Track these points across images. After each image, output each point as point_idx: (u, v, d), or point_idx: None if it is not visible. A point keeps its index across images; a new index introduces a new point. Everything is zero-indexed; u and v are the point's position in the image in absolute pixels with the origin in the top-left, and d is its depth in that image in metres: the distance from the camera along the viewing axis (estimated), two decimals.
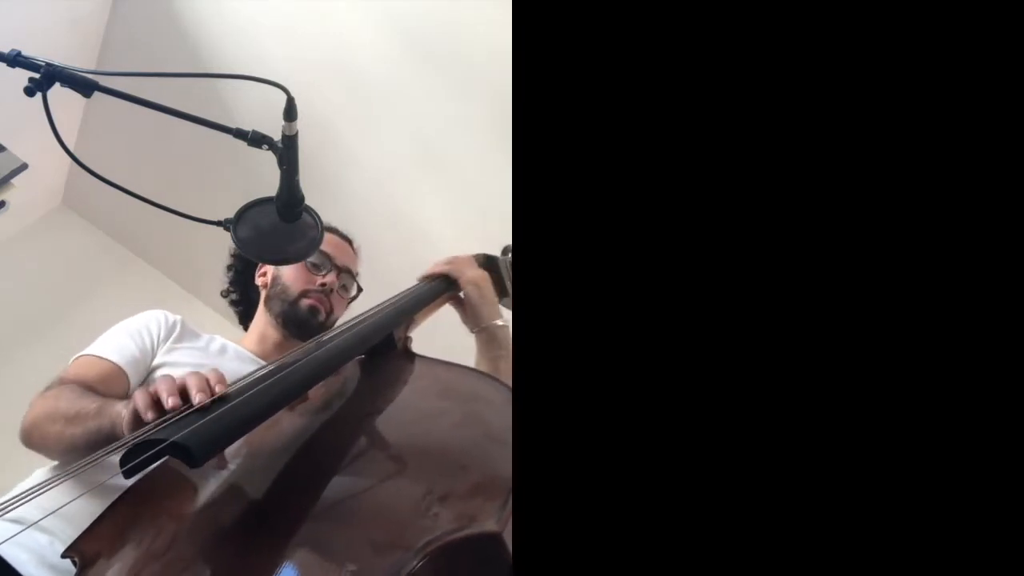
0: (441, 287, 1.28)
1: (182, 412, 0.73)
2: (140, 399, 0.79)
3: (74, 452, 0.93)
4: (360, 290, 1.45)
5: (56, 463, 1.05)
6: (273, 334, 1.32)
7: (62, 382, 1.05)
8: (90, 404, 0.92)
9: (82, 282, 2.85)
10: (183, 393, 0.77)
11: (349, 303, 1.44)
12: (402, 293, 1.21)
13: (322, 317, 1.31)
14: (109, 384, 1.07)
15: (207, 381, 0.78)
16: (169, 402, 0.75)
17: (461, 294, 1.31)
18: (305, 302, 1.30)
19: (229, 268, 1.49)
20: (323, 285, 1.31)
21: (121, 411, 0.83)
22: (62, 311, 2.70)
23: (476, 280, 1.30)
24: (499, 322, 1.26)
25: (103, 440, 0.86)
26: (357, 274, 1.43)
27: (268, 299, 1.35)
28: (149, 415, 0.76)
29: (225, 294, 1.51)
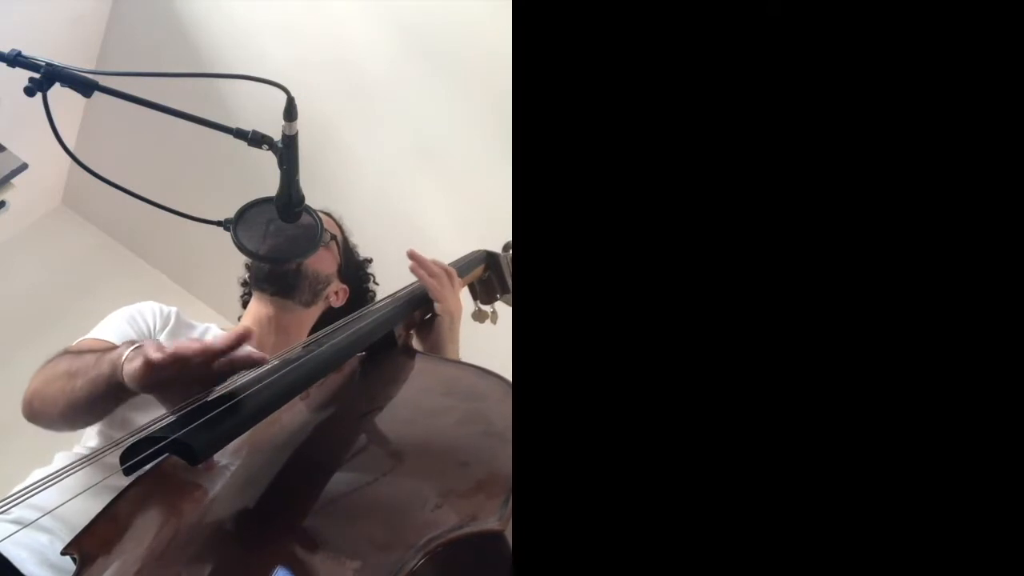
0: (419, 301, 1.16)
1: (184, 408, 0.73)
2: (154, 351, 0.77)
3: (76, 408, 0.92)
4: (363, 261, 1.44)
5: (53, 465, 1.05)
6: (262, 309, 1.30)
7: (61, 353, 1.04)
8: (88, 357, 0.91)
9: (82, 282, 2.85)
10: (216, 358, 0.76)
11: (363, 289, 1.42)
12: (391, 298, 1.16)
13: (290, 265, 1.27)
14: None
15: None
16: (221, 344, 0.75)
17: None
18: None
19: (242, 297, 1.47)
20: None
21: (121, 353, 0.82)
22: (62, 311, 2.69)
23: (453, 312, 1.17)
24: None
25: (103, 388, 0.85)
26: (340, 238, 1.39)
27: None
28: (158, 356, 0.76)
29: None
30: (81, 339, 1.13)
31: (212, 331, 1.27)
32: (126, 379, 0.80)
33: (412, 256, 1.17)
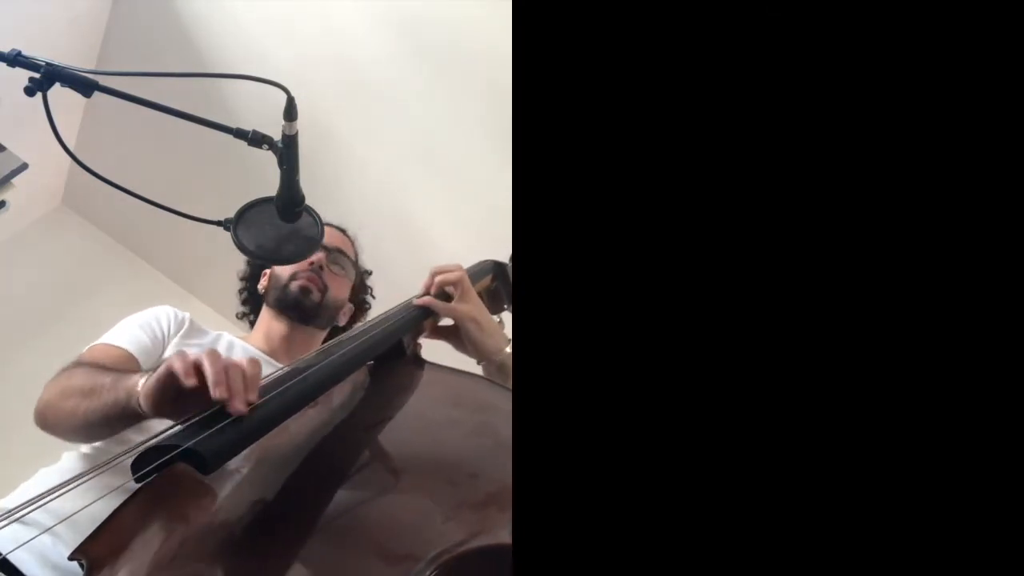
0: (428, 311, 1.12)
1: (193, 416, 0.73)
2: (179, 363, 0.75)
3: (89, 427, 0.94)
4: (364, 275, 1.46)
5: (60, 464, 1.05)
6: (277, 326, 1.32)
7: (76, 364, 1.05)
8: (105, 378, 0.92)
9: (82, 282, 2.85)
10: (228, 376, 0.73)
11: (362, 302, 1.45)
12: (392, 312, 1.13)
13: (316, 296, 1.30)
14: (122, 368, 1.06)
15: (243, 378, 0.75)
16: (216, 393, 0.72)
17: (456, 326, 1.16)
18: (295, 283, 1.31)
19: (241, 292, 1.50)
20: (311, 264, 1.31)
21: (137, 381, 0.83)
22: (62, 311, 2.70)
23: (471, 314, 1.14)
24: (508, 349, 1.13)
25: (118, 413, 0.86)
26: (355, 260, 1.43)
27: (267, 294, 1.37)
28: (191, 381, 0.74)
29: (241, 316, 1.52)
30: (94, 344, 1.13)
31: (224, 339, 1.28)
32: (141, 405, 0.81)
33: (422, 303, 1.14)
